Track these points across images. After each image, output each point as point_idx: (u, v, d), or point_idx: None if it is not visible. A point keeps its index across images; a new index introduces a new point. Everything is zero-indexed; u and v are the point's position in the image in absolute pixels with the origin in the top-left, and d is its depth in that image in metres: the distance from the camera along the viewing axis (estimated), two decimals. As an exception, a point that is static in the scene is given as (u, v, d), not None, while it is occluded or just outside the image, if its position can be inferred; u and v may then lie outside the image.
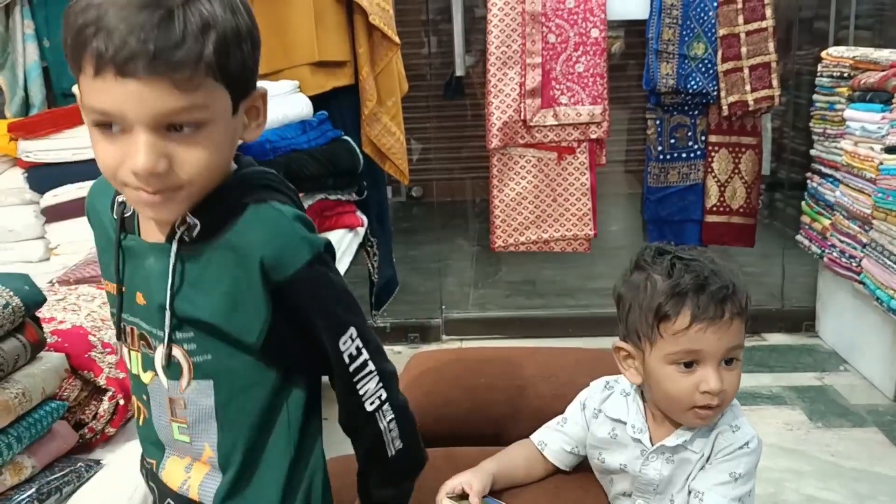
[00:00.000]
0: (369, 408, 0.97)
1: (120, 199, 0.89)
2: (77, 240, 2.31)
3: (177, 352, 0.88)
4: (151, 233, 0.89)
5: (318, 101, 2.74)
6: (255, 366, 0.89)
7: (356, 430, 1.00)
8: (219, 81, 0.79)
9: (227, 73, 0.79)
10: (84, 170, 2.35)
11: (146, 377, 0.93)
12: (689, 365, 1.10)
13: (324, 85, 2.81)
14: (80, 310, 1.32)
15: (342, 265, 2.41)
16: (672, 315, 1.09)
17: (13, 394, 1.05)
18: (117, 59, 0.73)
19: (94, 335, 1.26)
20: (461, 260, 4.70)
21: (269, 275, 0.86)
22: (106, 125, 0.78)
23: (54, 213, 2.36)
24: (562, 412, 1.50)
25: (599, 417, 1.28)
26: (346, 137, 2.66)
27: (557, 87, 3.29)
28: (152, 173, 0.77)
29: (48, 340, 1.21)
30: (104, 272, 0.95)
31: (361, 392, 0.96)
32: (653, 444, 1.19)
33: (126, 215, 0.90)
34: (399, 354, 3.34)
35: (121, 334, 0.94)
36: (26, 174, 2.37)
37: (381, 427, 0.98)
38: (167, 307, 0.87)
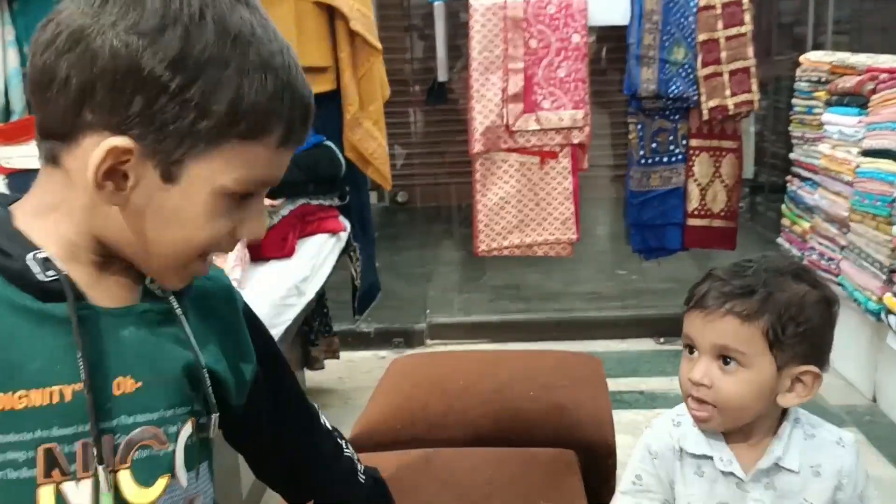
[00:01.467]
0: (340, 441, 0.93)
1: (41, 256, 0.65)
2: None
3: (189, 428, 0.72)
4: (108, 296, 0.69)
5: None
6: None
7: (333, 467, 0.91)
8: None
9: None
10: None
11: (147, 494, 0.69)
12: (690, 351, 1.07)
13: (305, 90, 2.82)
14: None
15: (324, 270, 2.42)
16: (688, 297, 1.06)
17: None
18: (302, 126, 0.69)
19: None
20: (446, 265, 4.72)
21: (243, 309, 0.82)
22: (242, 195, 0.68)
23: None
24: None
25: (684, 458, 1.09)
26: (327, 143, 2.67)
27: (539, 91, 3.31)
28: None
29: None
30: (14, 378, 0.63)
31: (328, 425, 0.93)
32: (746, 473, 1.06)
33: (49, 279, 0.65)
34: (383, 359, 3.35)
35: (94, 456, 0.65)
36: (6, 179, 2.37)
37: (350, 453, 0.94)
38: (202, 367, 0.72)
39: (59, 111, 0.63)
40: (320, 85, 2.86)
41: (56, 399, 0.63)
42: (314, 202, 2.48)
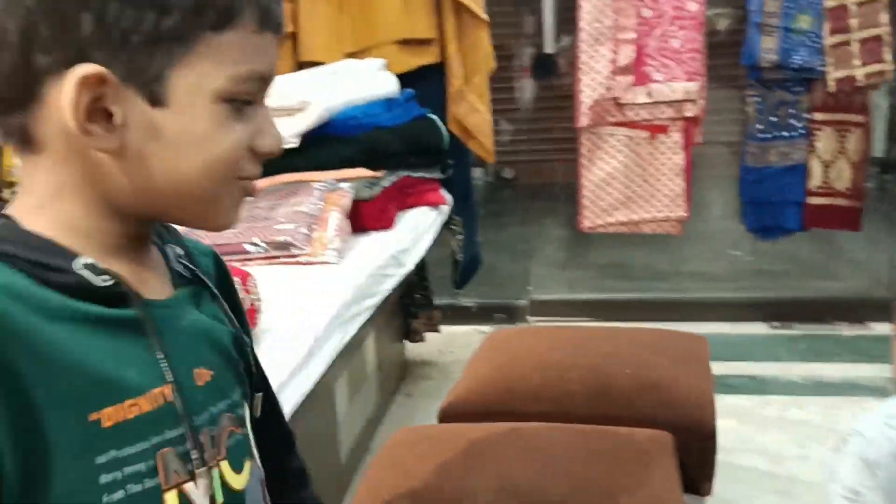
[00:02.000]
0: (306, 475, 0.90)
1: (86, 261, 0.59)
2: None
3: (247, 410, 0.71)
4: (151, 288, 0.64)
5: (405, 79, 2.76)
6: None
7: (289, 454, 0.86)
8: None
9: None
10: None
11: (241, 480, 0.67)
12: None
13: (410, 63, 2.82)
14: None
15: (424, 242, 2.42)
16: None
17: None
18: (279, 12, 0.62)
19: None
20: (550, 241, 4.66)
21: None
22: (242, 100, 0.61)
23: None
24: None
25: None
26: (430, 115, 2.66)
27: (651, 63, 3.19)
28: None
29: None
30: (119, 390, 0.58)
31: (299, 456, 0.87)
32: None
33: (107, 284, 0.59)
34: (484, 334, 3.35)
35: (204, 451, 0.62)
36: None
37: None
38: (246, 344, 0.72)
39: (8, 70, 0.56)
40: (425, 57, 2.86)
41: (160, 401, 0.60)
42: (415, 175, 2.48)
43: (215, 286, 0.71)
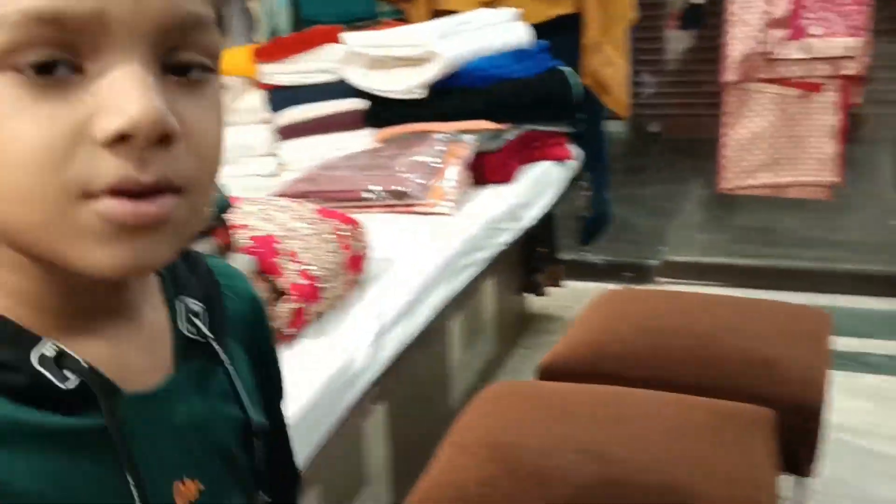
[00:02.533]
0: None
1: (49, 351, 0.44)
2: (304, 157, 2.50)
3: None
4: (139, 371, 0.48)
5: (539, 30, 2.71)
6: None
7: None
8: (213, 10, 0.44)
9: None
10: (313, 93, 2.53)
11: None
12: None
13: (546, 13, 2.76)
14: (273, 220, 1.44)
15: (545, 198, 2.40)
16: None
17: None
18: None
19: (281, 243, 1.38)
20: (690, 201, 4.48)
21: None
22: (33, 64, 0.38)
23: (286, 132, 2.57)
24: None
25: None
26: (562, 68, 2.61)
27: (809, 16, 2.97)
28: (162, 129, 0.39)
29: (244, 244, 1.34)
30: None
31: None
32: None
33: (68, 387, 0.44)
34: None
35: None
36: (265, 95, 2.60)
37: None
38: (256, 433, 0.55)
39: None
40: (560, 7, 2.80)
41: None
42: (541, 129, 2.45)
43: (245, 336, 0.57)
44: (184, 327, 0.52)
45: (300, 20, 3.08)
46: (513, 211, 2.15)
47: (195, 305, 0.53)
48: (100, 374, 0.45)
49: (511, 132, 2.31)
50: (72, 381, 0.44)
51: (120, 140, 0.38)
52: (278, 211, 1.48)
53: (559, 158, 2.51)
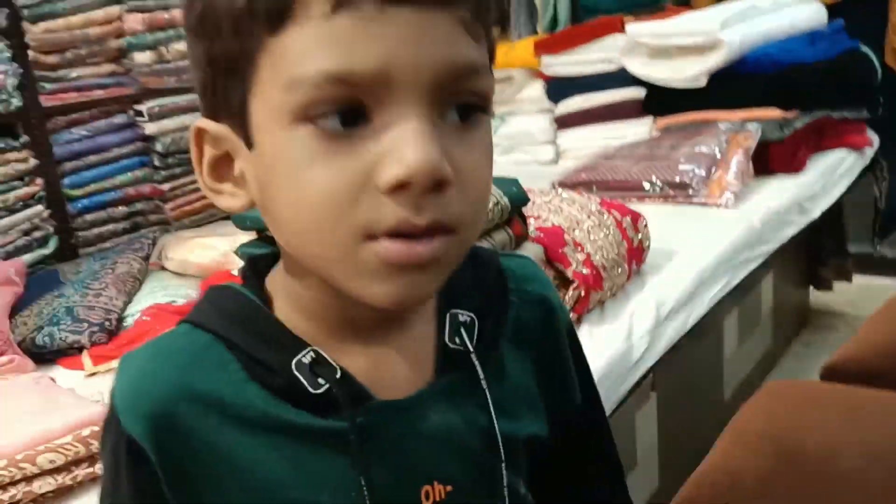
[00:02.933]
0: None
1: (306, 359, 0.50)
2: (582, 146, 2.59)
3: None
4: (396, 380, 0.52)
5: (836, 8, 2.55)
6: None
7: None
8: (487, 44, 0.47)
9: (493, 43, 0.49)
10: (592, 82, 2.59)
11: None
12: None
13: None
14: (561, 212, 1.54)
15: (837, 189, 2.27)
16: None
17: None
18: None
19: (569, 234, 1.48)
20: None
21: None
22: (332, 114, 0.43)
23: (565, 121, 2.67)
24: None
25: None
26: (862, 49, 2.44)
27: None
28: (436, 178, 0.43)
29: (532, 234, 1.46)
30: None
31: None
32: None
33: (320, 391, 0.49)
34: (904, 290, 3.03)
35: None
36: (545, 85, 2.71)
37: None
38: (521, 431, 0.56)
39: None
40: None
41: None
42: (836, 115, 2.31)
43: (532, 340, 0.58)
44: (451, 339, 0.54)
45: (580, 9, 3.14)
46: (800, 203, 2.07)
47: (465, 317, 0.54)
48: (351, 382, 0.50)
49: (801, 119, 2.21)
50: (323, 386, 0.49)
51: (399, 187, 0.42)
52: (565, 203, 1.57)
53: (856, 146, 2.36)
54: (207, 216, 2.70)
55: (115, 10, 2.41)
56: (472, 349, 0.54)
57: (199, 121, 0.49)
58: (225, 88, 0.47)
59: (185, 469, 0.48)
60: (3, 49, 2.17)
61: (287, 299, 0.52)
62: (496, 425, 0.54)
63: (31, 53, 2.25)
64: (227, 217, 2.71)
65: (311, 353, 0.50)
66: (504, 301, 0.57)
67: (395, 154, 0.42)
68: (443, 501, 0.52)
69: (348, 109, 0.43)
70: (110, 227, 2.46)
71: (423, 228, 0.43)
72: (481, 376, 0.53)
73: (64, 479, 1.03)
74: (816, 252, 2.85)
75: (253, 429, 0.48)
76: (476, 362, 0.53)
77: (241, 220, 1.27)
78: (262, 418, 0.48)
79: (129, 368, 0.51)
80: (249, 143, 0.47)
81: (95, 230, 2.42)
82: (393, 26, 0.42)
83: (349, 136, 0.43)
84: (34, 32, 2.24)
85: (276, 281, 0.53)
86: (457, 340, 0.53)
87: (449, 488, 0.52)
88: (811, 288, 2.91)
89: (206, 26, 0.46)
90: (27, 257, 2.22)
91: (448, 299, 0.54)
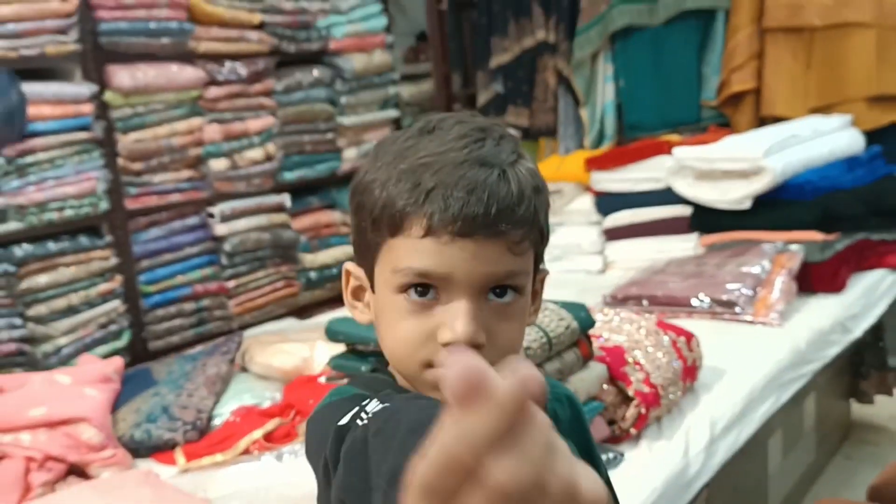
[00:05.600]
0: None
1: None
2: (629, 258, 2.71)
3: None
4: None
5: (872, 134, 2.69)
6: None
7: None
8: (532, 249, 0.72)
9: (542, 241, 0.74)
10: (639, 198, 2.74)
11: None
12: None
13: (880, 119, 2.73)
14: (622, 332, 1.65)
15: (878, 308, 2.36)
16: None
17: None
18: (458, 218, 0.67)
19: (629, 354, 1.58)
20: None
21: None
22: (416, 290, 0.70)
23: (613, 234, 2.80)
24: None
25: None
26: (898, 174, 2.57)
27: None
28: (473, 343, 0.69)
29: (595, 354, 1.57)
30: None
31: None
32: None
33: None
34: (947, 405, 3.04)
35: None
36: (595, 200, 2.86)
37: None
38: None
39: None
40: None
41: None
42: (875, 237, 2.42)
43: (566, 428, 0.79)
44: None
45: (625, 125, 3.32)
46: (843, 323, 2.16)
47: None
48: None
49: (841, 242, 2.32)
50: None
51: (448, 344, 0.69)
52: (625, 323, 1.69)
53: (895, 266, 2.46)
54: (266, 313, 2.85)
55: (196, 121, 2.62)
56: None
57: (348, 263, 0.78)
58: (364, 252, 0.74)
59: None
60: (97, 157, 2.37)
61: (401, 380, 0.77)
62: None
63: (120, 161, 2.45)
64: (287, 313, 2.87)
65: None
66: (547, 399, 0.80)
67: (450, 324, 0.69)
68: None
69: (425, 291, 0.70)
70: (178, 321, 2.62)
71: None
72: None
73: (175, 574, 1.12)
74: (857, 366, 2.90)
75: None
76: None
77: (333, 335, 1.40)
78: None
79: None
80: (373, 289, 0.75)
81: (165, 324, 2.57)
82: (458, 249, 0.68)
83: (424, 306, 0.70)
84: (125, 142, 2.44)
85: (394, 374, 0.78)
86: None
87: None
88: (852, 401, 2.95)
89: (359, 212, 0.73)
90: (101, 349, 2.36)
91: None
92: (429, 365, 0.70)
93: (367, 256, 0.74)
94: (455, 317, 0.68)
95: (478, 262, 0.69)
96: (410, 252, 0.69)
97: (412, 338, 0.70)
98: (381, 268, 0.72)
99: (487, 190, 0.68)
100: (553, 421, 0.69)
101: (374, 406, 0.67)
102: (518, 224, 0.69)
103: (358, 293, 0.77)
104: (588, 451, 0.81)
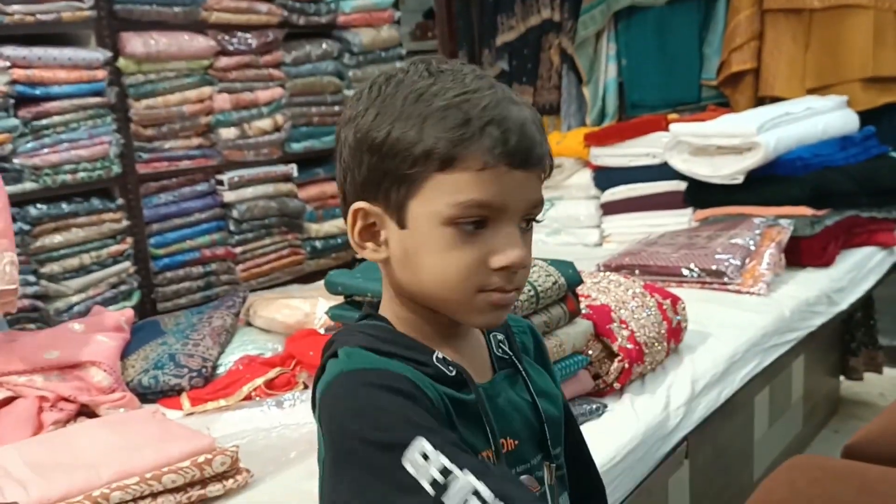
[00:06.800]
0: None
1: (439, 356, 0.78)
2: (624, 232, 2.78)
3: (547, 473, 0.85)
4: (476, 372, 0.81)
5: (866, 115, 2.74)
6: None
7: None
8: None
9: None
10: (636, 174, 2.80)
11: None
12: None
13: (875, 101, 2.78)
14: (609, 292, 1.72)
15: (865, 284, 2.42)
16: None
17: (553, 343, 1.49)
18: (515, 151, 0.73)
19: (616, 313, 1.66)
20: None
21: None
22: (468, 223, 0.73)
23: (610, 208, 2.87)
24: None
25: None
26: (892, 153, 2.62)
27: None
28: (525, 265, 0.76)
29: (582, 311, 1.64)
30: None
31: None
32: None
33: (453, 374, 0.78)
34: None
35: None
36: (593, 174, 2.93)
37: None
38: (543, 420, 0.83)
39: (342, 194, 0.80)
40: (893, 94, 2.80)
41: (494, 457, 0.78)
42: (865, 214, 2.48)
43: (533, 355, 0.90)
44: (497, 350, 0.85)
45: (626, 103, 3.37)
46: (829, 295, 2.22)
47: (500, 335, 0.86)
48: (463, 370, 0.79)
49: (830, 218, 2.38)
50: (454, 372, 0.78)
51: (503, 269, 0.75)
52: (612, 285, 1.76)
53: (883, 244, 2.52)
54: (271, 279, 2.93)
55: (207, 90, 2.69)
56: (512, 355, 0.85)
57: (358, 202, 0.77)
58: (388, 189, 0.75)
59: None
60: (110, 122, 2.45)
61: (400, 325, 0.81)
62: (538, 403, 0.84)
63: (132, 126, 2.52)
64: (292, 281, 2.95)
65: (438, 353, 0.79)
66: (511, 332, 0.89)
67: (503, 250, 0.74)
68: (512, 451, 0.81)
69: (479, 221, 0.74)
70: (186, 284, 2.70)
71: (510, 289, 0.76)
72: (523, 371, 0.85)
73: (181, 498, 1.21)
74: (847, 343, 2.97)
75: (437, 398, 0.77)
76: (517, 363, 0.85)
77: (332, 286, 1.48)
78: (432, 390, 0.76)
79: (359, 358, 0.77)
80: (402, 225, 0.75)
81: (173, 286, 2.66)
82: (511, 179, 0.73)
83: (476, 234, 0.74)
84: (137, 108, 2.52)
85: (387, 316, 0.82)
86: (501, 351, 0.85)
87: (516, 442, 0.81)
88: (842, 378, 3.02)
89: (386, 150, 0.74)
90: (111, 308, 2.45)
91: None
92: (481, 290, 0.74)
93: (392, 193, 0.74)
94: (509, 243, 0.74)
95: (526, 191, 0.74)
96: (470, 185, 0.72)
97: (466, 265, 0.73)
98: (422, 202, 0.73)
99: (528, 124, 0.74)
100: (522, 351, 0.88)
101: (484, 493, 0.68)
102: (547, 155, 0.77)
103: (365, 233, 0.78)
104: (548, 371, 0.92)
